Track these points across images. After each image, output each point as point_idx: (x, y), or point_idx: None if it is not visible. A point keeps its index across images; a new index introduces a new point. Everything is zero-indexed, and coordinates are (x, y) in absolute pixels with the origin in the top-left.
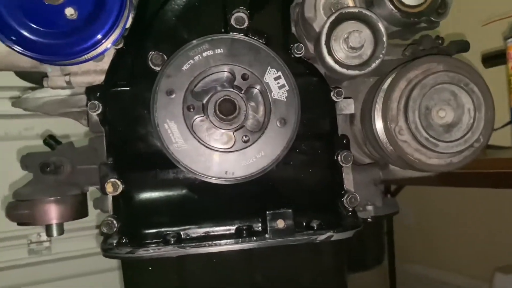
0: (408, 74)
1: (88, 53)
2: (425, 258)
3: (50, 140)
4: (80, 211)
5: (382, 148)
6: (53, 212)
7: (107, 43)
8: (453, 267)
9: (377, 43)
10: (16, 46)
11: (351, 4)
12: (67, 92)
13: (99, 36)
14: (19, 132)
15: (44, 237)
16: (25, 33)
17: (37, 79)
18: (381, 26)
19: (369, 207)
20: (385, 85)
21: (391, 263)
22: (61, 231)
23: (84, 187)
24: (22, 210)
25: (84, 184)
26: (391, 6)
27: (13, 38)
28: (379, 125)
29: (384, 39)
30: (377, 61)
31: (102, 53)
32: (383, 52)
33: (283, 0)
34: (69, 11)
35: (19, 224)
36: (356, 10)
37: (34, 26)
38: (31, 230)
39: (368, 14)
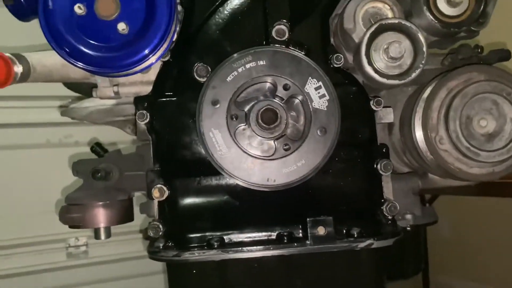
0: (449, 84)
1: (137, 65)
2: (460, 271)
3: (97, 147)
4: (126, 216)
5: (421, 157)
6: (102, 216)
7: (155, 57)
8: (489, 281)
9: (417, 53)
10: (71, 59)
11: (390, 14)
12: (112, 101)
13: (147, 50)
14: (59, 139)
15: (81, 241)
16: (81, 47)
17: (84, 90)
18: (421, 37)
19: (408, 216)
20: (425, 95)
21: (425, 275)
22: (108, 234)
23: (131, 192)
24: (73, 213)
25: (131, 190)
26: (431, 17)
27: (69, 51)
28: (419, 134)
29: (424, 49)
30: (417, 71)
31: (150, 65)
32: (423, 62)
33: (323, 12)
34: (121, 26)
35: (70, 227)
36: (396, 21)
37: (89, 40)
38: (70, 234)
39: (407, 25)
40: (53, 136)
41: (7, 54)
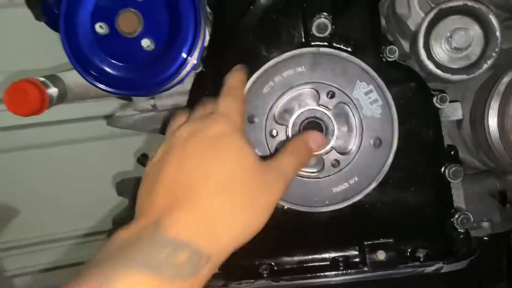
0: None
1: (169, 82)
2: None
3: (144, 159)
4: None
5: (498, 158)
6: None
7: (187, 69)
8: None
9: (489, 39)
10: (99, 84)
11: None
12: None
13: (176, 65)
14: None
15: None
16: (108, 70)
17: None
18: (493, 20)
19: (485, 224)
20: (502, 87)
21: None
22: None
23: None
24: None
25: None
26: None
27: (97, 75)
28: (494, 133)
29: (498, 34)
30: (489, 62)
31: (185, 78)
32: (496, 50)
33: None
34: (146, 43)
35: None
36: (460, 2)
37: (115, 62)
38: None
39: (475, 6)
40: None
41: (41, 79)
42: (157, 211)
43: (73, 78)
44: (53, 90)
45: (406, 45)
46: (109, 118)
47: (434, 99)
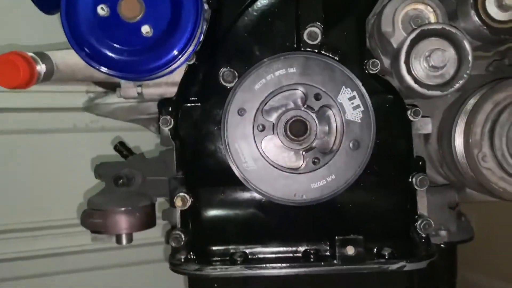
0: (496, 96)
1: (161, 70)
2: (487, 268)
3: (121, 147)
4: (149, 222)
5: (461, 173)
6: (124, 222)
7: (180, 61)
8: None
9: (461, 62)
10: (92, 62)
11: (432, 18)
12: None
13: (174, 53)
14: (86, 124)
15: None
16: (103, 50)
17: (109, 86)
18: (467, 45)
19: (443, 232)
20: (468, 107)
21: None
22: (130, 240)
23: (153, 197)
24: (95, 219)
25: (154, 195)
26: (479, 22)
27: (91, 53)
28: (459, 148)
29: (470, 58)
30: (461, 82)
31: (176, 69)
32: (467, 72)
33: (359, 14)
34: (145, 29)
35: (92, 232)
36: (439, 26)
37: (112, 43)
38: None
39: (452, 31)
40: (79, 120)
41: (30, 54)
42: None
43: (62, 58)
44: (41, 67)
45: (386, 61)
46: (87, 105)
47: (408, 112)
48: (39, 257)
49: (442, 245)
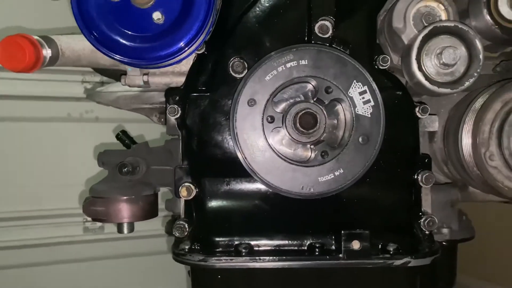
0: (505, 95)
1: (172, 58)
2: (479, 271)
3: (123, 135)
4: (151, 212)
5: (466, 171)
6: (126, 211)
7: (191, 49)
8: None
9: (472, 60)
10: (102, 47)
11: (444, 16)
12: (140, 88)
13: (183, 43)
14: (80, 114)
15: None
16: (113, 36)
17: (112, 74)
18: (478, 43)
19: (445, 230)
20: (477, 105)
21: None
22: (131, 229)
23: (156, 187)
24: (98, 207)
25: (157, 185)
26: (491, 21)
27: (100, 38)
28: (466, 147)
29: (481, 56)
30: (471, 80)
31: (186, 57)
32: (478, 70)
33: (371, 9)
34: (157, 15)
35: (93, 220)
36: (451, 24)
37: (123, 29)
38: None
39: (465, 29)
40: (74, 110)
41: (36, 37)
42: None
43: (67, 43)
44: (47, 51)
45: (395, 58)
46: (89, 93)
47: (416, 109)
48: (29, 246)
49: (444, 243)
